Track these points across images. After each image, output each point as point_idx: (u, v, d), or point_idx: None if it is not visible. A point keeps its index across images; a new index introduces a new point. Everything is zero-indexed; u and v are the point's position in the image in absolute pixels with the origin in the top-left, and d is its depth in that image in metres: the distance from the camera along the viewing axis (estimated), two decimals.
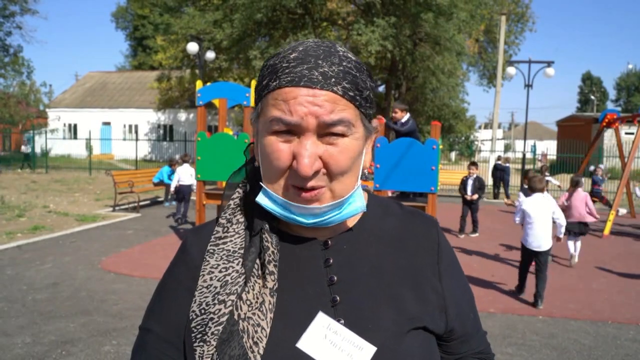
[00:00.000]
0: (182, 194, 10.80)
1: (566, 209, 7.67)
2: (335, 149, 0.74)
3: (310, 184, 0.74)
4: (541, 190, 5.96)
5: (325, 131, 0.73)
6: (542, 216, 5.76)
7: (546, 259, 5.78)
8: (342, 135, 0.74)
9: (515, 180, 20.12)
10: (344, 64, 0.75)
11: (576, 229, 7.69)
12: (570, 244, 7.69)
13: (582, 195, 7.81)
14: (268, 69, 0.77)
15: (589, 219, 7.73)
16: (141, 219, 11.14)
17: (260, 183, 0.81)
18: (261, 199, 0.80)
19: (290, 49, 0.76)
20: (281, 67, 0.74)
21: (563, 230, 6.19)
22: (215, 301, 0.76)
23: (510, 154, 25.79)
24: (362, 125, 0.78)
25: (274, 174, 0.77)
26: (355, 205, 0.81)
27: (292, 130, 0.73)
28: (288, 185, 0.76)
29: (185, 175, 10.83)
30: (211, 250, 0.82)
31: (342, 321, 0.79)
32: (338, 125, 0.73)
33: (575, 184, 7.98)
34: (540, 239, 5.71)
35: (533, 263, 5.87)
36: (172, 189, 10.99)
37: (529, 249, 5.80)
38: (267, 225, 0.81)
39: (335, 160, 0.74)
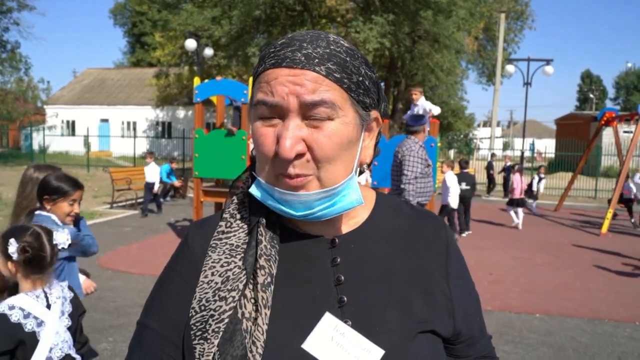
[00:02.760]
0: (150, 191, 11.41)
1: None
2: (320, 133, 0.71)
3: (295, 171, 0.71)
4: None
5: (309, 113, 0.70)
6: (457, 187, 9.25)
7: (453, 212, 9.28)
8: (328, 118, 0.71)
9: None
10: (332, 47, 0.72)
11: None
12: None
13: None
14: (259, 59, 0.76)
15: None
16: (139, 216, 11.12)
17: (253, 173, 0.79)
18: (253, 189, 0.78)
19: (281, 38, 0.75)
20: (268, 53, 0.74)
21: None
22: (216, 297, 0.74)
23: (509, 152, 25.78)
24: (353, 110, 0.74)
25: (263, 161, 0.75)
26: (350, 198, 0.77)
27: (277, 114, 0.72)
28: (276, 173, 0.73)
29: (155, 173, 11.53)
30: (214, 245, 0.80)
31: (349, 322, 0.77)
32: (320, 106, 0.70)
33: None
34: (456, 201, 9.16)
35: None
36: (157, 188, 11.53)
37: (452, 207, 9.03)
38: (263, 220, 0.79)
39: (320, 144, 0.71)
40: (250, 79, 7.80)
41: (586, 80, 69.11)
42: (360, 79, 0.74)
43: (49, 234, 2.09)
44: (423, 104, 7.77)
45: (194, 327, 0.74)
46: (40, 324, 1.95)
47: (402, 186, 4.93)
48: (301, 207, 0.74)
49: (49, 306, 2.00)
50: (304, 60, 0.70)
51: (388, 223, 0.87)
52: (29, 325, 1.92)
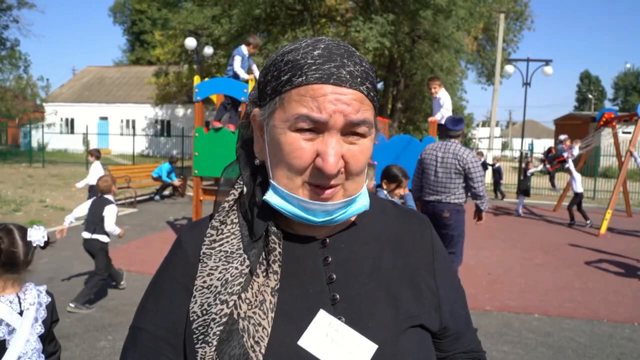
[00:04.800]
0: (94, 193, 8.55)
1: None
2: (357, 149, 0.75)
3: (331, 182, 0.75)
4: None
5: (348, 130, 0.74)
6: None
7: None
8: (363, 135, 0.75)
9: (510, 178, 20.15)
10: (364, 64, 0.76)
11: None
12: None
13: None
14: (287, 64, 0.74)
15: None
16: (138, 215, 11.11)
17: (271, 181, 0.79)
18: (270, 197, 0.78)
19: (310, 46, 0.74)
20: (306, 63, 0.73)
21: None
22: (217, 301, 0.76)
23: (507, 152, 25.80)
24: (374, 124, 0.79)
25: (292, 171, 0.75)
26: (361, 203, 0.81)
27: (317, 128, 0.73)
28: (304, 183, 0.75)
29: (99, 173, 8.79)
30: (208, 253, 0.81)
31: (343, 319, 0.79)
32: (362, 126, 0.74)
33: None
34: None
35: None
36: (91, 183, 9.07)
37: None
38: (273, 228, 0.80)
39: (356, 160, 0.75)
40: (251, 80, 7.81)
41: (585, 80, 69.17)
42: (377, 94, 0.79)
43: (22, 230, 2.00)
44: (443, 97, 7.78)
45: (197, 331, 0.76)
46: (11, 331, 1.84)
47: (480, 194, 5.18)
48: (322, 214, 0.77)
49: (21, 312, 1.89)
50: (350, 78, 0.73)
51: (376, 223, 0.91)
52: (0, 332, 1.82)
